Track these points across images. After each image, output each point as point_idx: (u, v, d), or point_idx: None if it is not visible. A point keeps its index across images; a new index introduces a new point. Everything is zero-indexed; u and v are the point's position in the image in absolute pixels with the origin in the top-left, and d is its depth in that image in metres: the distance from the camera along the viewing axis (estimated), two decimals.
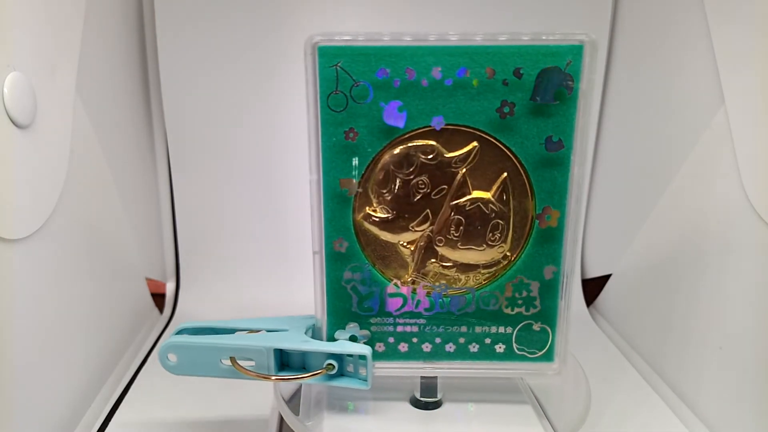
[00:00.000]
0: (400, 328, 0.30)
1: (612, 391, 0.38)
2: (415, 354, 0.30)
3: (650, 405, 0.37)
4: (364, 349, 0.29)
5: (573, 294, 0.30)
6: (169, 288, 0.52)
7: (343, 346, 0.29)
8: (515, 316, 0.29)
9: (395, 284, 0.29)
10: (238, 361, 0.29)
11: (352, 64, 0.26)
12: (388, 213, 0.28)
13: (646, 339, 0.42)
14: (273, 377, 0.29)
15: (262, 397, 0.37)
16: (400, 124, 0.27)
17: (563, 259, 0.28)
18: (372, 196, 0.28)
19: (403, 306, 0.29)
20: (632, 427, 0.35)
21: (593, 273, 0.52)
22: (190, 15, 0.47)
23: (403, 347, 0.30)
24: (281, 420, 0.35)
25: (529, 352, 0.30)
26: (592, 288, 0.52)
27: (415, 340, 0.30)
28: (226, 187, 0.50)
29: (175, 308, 0.50)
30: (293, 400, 0.32)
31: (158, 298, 0.51)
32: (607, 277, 0.50)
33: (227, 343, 0.29)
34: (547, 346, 0.29)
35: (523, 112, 0.26)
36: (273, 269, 0.51)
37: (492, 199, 0.28)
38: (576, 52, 0.25)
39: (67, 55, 0.34)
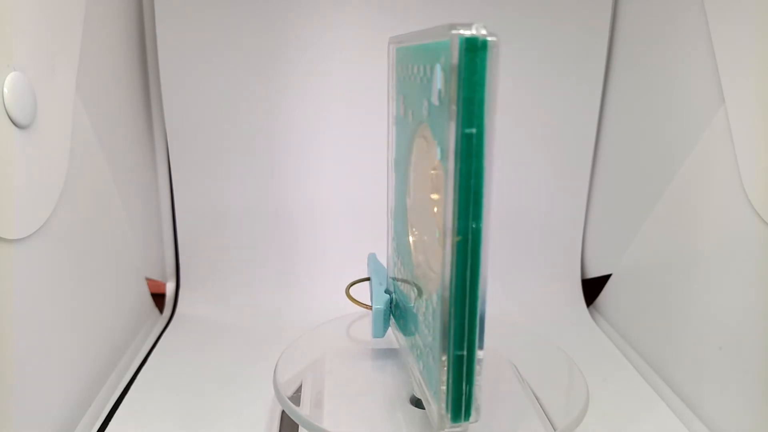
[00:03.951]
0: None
1: (612, 391, 0.38)
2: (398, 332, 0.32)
3: (650, 405, 0.37)
4: (371, 303, 0.33)
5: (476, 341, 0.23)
6: (169, 288, 0.52)
7: (375, 296, 0.33)
8: (425, 334, 0.26)
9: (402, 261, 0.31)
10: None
11: (396, 60, 0.30)
12: (410, 197, 0.30)
13: (646, 339, 0.43)
14: (353, 299, 0.35)
15: (263, 394, 0.37)
16: (401, 112, 0.29)
17: (441, 288, 0.22)
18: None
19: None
20: (632, 427, 0.35)
21: (593, 273, 0.52)
22: (190, 15, 0.47)
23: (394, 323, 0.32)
24: (283, 417, 0.35)
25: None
26: (592, 288, 0.52)
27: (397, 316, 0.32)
28: (226, 187, 0.50)
29: (175, 308, 0.50)
30: (294, 397, 0.32)
31: (158, 298, 0.51)
32: (607, 277, 0.50)
33: (373, 267, 0.37)
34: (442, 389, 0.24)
35: (433, 114, 0.23)
36: (273, 269, 0.51)
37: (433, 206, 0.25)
38: (446, 49, 0.20)
39: (67, 55, 0.34)
